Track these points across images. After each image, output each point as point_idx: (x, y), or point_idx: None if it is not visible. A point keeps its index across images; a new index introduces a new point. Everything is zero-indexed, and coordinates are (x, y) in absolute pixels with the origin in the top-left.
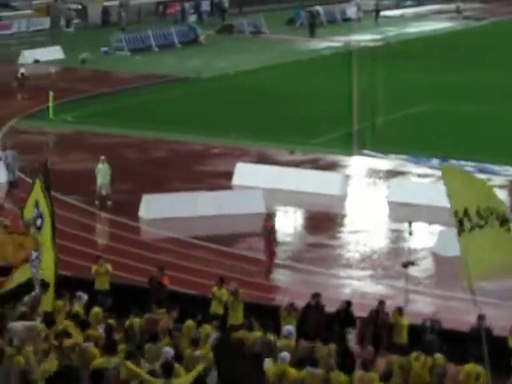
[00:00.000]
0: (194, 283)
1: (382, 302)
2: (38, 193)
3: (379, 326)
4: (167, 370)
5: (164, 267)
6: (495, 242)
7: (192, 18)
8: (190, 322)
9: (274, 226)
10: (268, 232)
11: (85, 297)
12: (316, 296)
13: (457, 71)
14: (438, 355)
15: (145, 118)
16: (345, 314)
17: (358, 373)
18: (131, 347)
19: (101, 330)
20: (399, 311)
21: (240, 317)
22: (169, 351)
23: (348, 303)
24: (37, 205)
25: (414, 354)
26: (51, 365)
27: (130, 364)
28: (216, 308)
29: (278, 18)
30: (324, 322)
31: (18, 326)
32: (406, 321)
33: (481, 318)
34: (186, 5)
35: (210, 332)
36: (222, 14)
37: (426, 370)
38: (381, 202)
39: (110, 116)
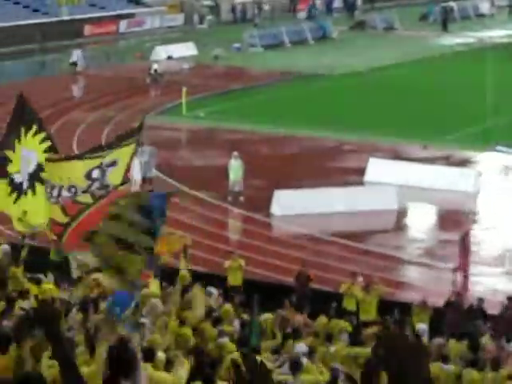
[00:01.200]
0: (326, 279)
1: (510, 299)
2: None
3: (509, 323)
4: (295, 366)
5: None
6: None
7: (301, 15)
8: (322, 318)
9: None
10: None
11: (215, 292)
12: (457, 294)
13: None
14: None
15: (277, 114)
16: (477, 311)
17: (490, 371)
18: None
19: (235, 324)
20: None
21: (373, 313)
22: (301, 346)
23: (480, 300)
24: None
25: None
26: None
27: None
28: (348, 304)
29: (410, 13)
30: (459, 320)
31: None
32: None
33: None
34: (318, 1)
35: (343, 328)
36: (351, 9)
37: None
38: None
39: (243, 112)
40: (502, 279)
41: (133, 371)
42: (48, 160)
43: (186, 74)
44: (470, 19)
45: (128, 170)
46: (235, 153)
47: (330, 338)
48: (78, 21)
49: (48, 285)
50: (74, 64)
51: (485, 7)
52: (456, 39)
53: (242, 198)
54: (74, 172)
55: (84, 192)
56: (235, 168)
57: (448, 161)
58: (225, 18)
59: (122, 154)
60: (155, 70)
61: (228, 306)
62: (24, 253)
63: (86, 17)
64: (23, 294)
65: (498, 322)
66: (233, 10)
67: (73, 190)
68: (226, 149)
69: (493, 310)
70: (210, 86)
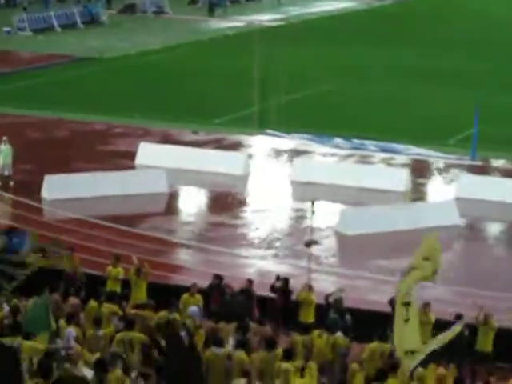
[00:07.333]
0: (97, 264)
1: (285, 280)
2: None
3: (285, 304)
4: None
5: (72, 248)
6: None
7: None
8: (92, 303)
9: None
10: None
11: None
12: (217, 277)
13: (358, 52)
14: (339, 334)
15: (46, 98)
16: (247, 292)
17: (261, 352)
18: None
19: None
20: (309, 288)
21: (143, 296)
22: (71, 331)
23: (250, 281)
24: None
25: (316, 332)
26: None
27: None
28: (112, 286)
29: None
30: (227, 303)
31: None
32: (313, 298)
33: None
34: None
35: (114, 312)
36: None
37: (328, 347)
38: (284, 181)
39: (11, 96)
40: (271, 261)
41: None
42: None
43: None
44: (239, 3)
45: None
46: (4, 137)
47: (99, 321)
48: None
49: None
50: None
51: None
52: (225, 23)
53: (11, 183)
54: None
55: None
56: (4, 152)
57: (219, 144)
58: None
59: None
60: None
61: None
62: None
63: None
64: None
65: (271, 304)
66: None
67: None
68: None
69: (262, 291)
70: None
